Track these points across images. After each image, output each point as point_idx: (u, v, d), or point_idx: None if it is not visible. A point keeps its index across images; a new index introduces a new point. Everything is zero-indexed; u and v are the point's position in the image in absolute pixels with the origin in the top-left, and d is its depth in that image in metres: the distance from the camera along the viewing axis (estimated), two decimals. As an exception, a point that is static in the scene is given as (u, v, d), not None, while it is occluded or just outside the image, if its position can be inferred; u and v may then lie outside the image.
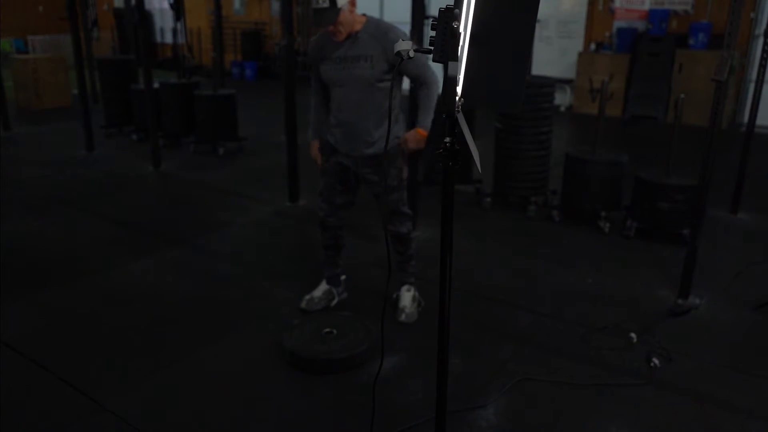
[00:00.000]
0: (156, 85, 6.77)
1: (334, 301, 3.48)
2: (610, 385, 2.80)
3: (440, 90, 2.95)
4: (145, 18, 6.21)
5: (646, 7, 9.21)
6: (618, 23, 9.48)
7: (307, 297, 3.45)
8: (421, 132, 3.09)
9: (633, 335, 3.17)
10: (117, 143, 7.48)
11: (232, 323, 3.33)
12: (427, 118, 3.08)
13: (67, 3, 6.79)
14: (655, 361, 2.94)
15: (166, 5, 13.84)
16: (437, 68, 1.61)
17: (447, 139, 1.53)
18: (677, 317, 3.41)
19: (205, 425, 2.54)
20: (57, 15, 16.41)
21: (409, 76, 3.07)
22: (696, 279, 3.53)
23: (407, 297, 3.37)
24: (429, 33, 1.43)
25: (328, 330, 3.08)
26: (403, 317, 3.29)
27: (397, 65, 1.50)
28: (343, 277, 3.55)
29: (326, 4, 2.81)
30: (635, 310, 3.49)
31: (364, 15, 2.99)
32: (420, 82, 3.04)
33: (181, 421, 2.57)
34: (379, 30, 2.95)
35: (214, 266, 4.07)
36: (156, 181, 6.07)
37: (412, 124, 3.31)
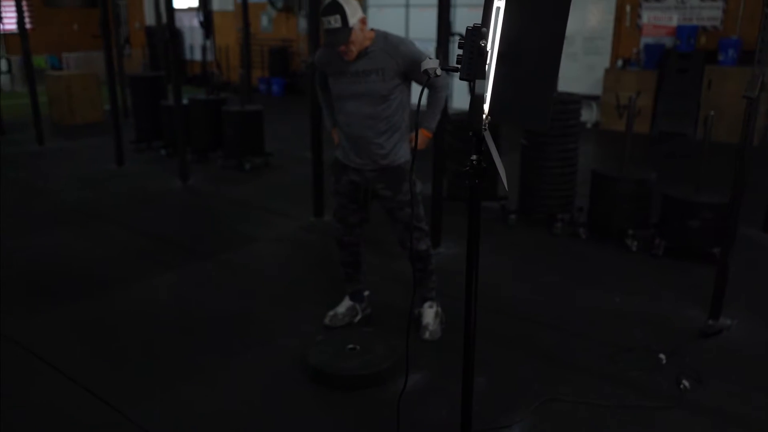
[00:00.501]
0: (185, 101, 6.90)
1: (358, 317, 3.48)
2: (639, 407, 2.75)
3: (447, 93, 3.03)
4: (175, 35, 6.34)
5: (674, 23, 9.13)
6: (645, 39, 9.40)
7: (331, 313, 3.45)
8: (426, 133, 3.13)
9: (662, 356, 3.10)
10: (146, 158, 7.62)
11: (256, 338, 3.35)
12: (432, 120, 3.13)
13: (100, 21, 6.97)
14: (685, 383, 2.87)
15: (196, 23, 14.14)
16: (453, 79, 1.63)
17: (474, 157, 1.53)
18: (708, 338, 3.33)
19: (228, 440, 2.55)
20: (91, 33, 16.87)
21: (419, 83, 3.04)
22: (727, 299, 3.45)
23: (430, 314, 3.34)
24: (455, 50, 1.44)
25: (351, 346, 3.07)
26: (427, 335, 3.26)
27: (425, 83, 1.51)
28: (366, 293, 3.54)
29: (338, 24, 2.81)
30: (664, 331, 3.42)
31: (372, 30, 3.01)
32: (429, 86, 3.04)
33: (205, 434, 2.58)
34: (389, 44, 2.96)
35: (239, 280, 4.10)
36: (183, 196, 6.16)
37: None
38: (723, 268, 3.38)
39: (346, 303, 3.49)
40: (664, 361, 3.07)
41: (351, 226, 3.31)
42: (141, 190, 6.22)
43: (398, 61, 2.92)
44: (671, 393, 2.84)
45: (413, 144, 3.13)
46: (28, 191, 6.21)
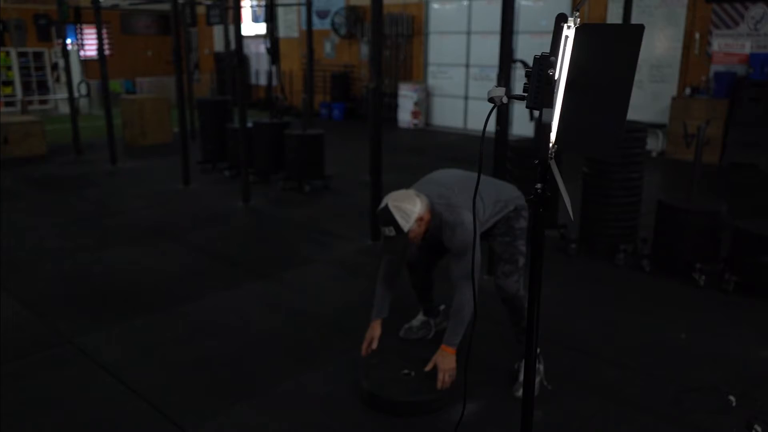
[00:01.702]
0: (249, 124, 7.11)
1: (431, 333, 3.49)
2: (707, 450, 2.61)
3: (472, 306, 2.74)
4: (242, 61, 6.57)
5: (747, 50, 8.83)
6: (716, 67, 9.12)
7: (406, 326, 3.51)
8: (447, 349, 2.88)
9: (732, 398, 2.95)
10: (211, 178, 7.87)
11: (311, 359, 3.38)
12: (455, 334, 2.87)
13: (173, 48, 7.31)
14: (757, 428, 2.72)
15: (262, 49, 14.63)
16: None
17: (538, 185, 1.51)
18: (783, 381, 3.15)
19: (282, 460, 2.56)
20: (163, 59, 17.69)
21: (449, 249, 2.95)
22: (804, 341, 3.26)
23: None
24: (516, 77, 1.43)
25: (406, 372, 3.05)
26: (521, 393, 2.97)
27: (489, 113, 1.50)
28: (441, 307, 3.53)
29: (393, 233, 2.80)
30: (734, 371, 3.25)
31: (429, 212, 2.88)
32: (456, 273, 2.88)
33: (259, 453, 2.60)
34: (444, 226, 2.89)
35: (296, 301, 4.16)
36: (245, 216, 6.32)
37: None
38: (800, 307, 3.20)
39: (420, 317, 3.53)
40: (734, 404, 2.91)
41: (421, 257, 3.35)
42: (205, 210, 6.42)
43: (444, 240, 2.91)
44: (742, 438, 2.69)
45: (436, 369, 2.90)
46: (101, 208, 6.51)
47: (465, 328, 2.88)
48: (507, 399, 2.96)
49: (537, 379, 3.07)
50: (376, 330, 3.13)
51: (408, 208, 2.80)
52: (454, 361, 2.89)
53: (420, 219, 2.82)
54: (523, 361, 3.08)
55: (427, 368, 2.93)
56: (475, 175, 3.01)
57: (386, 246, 2.88)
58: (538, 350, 3.08)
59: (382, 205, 2.84)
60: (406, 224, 2.77)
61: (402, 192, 2.88)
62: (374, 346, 3.09)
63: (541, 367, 3.10)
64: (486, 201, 2.97)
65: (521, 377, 3.01)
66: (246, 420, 2.83)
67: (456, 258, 2.86)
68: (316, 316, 3.93)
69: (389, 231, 2.80)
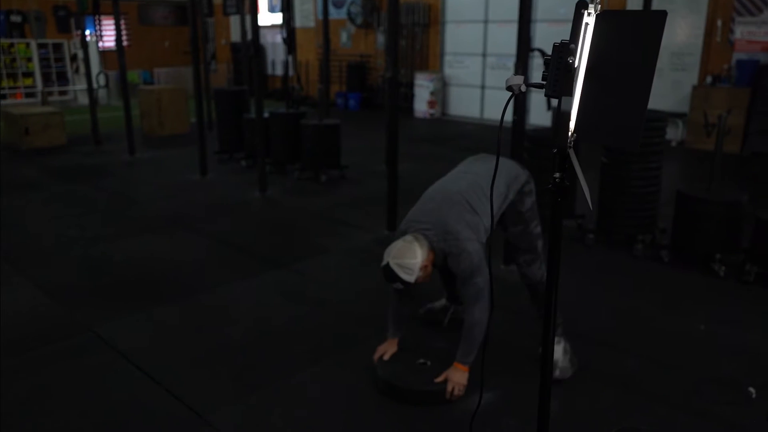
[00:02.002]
0: (266, 114, 7.13)
1: (447, 318, 3.55)
2: (725, 442, 2.59)
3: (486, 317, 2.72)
4: (259, 51, 6.58)
5: (770, 38, 8.67)
6: (738, 55, 8.96)
7: (429, 305, 3.59)
8: (460, 367, 2.87)
9: (752, 390, 2.92)
10: (228, 168, 7.91)
11: (327, 348, 3.39)
12: (468, 353, 2.86)
13: (190, 38, 7.33)
14: (778, 420, 2.69)
15: (278, 39, 14.63)
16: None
17: (557, 174, 1.50)
18: (804, 374, 3.11)
19: (299, 447, 2.59)
20: (181, 49, 17.77)
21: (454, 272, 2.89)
22: (827, 333, 3.22)
23: (558, 351, 3.03)
24: (534, 66, 1.41)
25: (422, 361, 3.06)
26: (557, 373, 2.97)
27: (507, 101, 1.49)
28: None
29: (400, 287, 2.82)
30: (754, 363, 3.22)
31: (431, 252, 2.82)
32: (465, 296, 2.86)
33: (276, 441, 2.63)
34: (449, 257, 2.84)
35: (313, 290, 4.18)
36: (262, 206, 6.35)
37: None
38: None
39: (442, 302, 3.61)
40: (754, 396, 2.89)
41: None
42: (222, 200, 6.46)
43: (451, 267, 2.87)
44: (761, 430, 2.66)
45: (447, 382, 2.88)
46: (120, 198, 6.58)
47: (477, 347, 2.84)
48: (523, 389, 2.95)
49: (567, 358, 3.06)
50: (392, 346, 3.13)
51: (409, 263, 2.74)
52: (466, 378, 2.87)
53: (424, 267, 2.78)
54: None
55: (438, 380, 2.89)
56: (467, 182, 2.99)
57: (396, 295, 2.98)
58: (560, 329, 3.12)
59: (384, 263, 2.79)
60: (411, 278, 2.75)
61: (400, 246, 2.80)
62: (386, 358, 3.09)
63: (567, 345, 3.08)
64: (483, 214, 2.90)
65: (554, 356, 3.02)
66: (262, 407, 2.86)
67: (464, 281, 2.83)
68: (333, 305, 3.94)
69: (397, 286, 2.82)
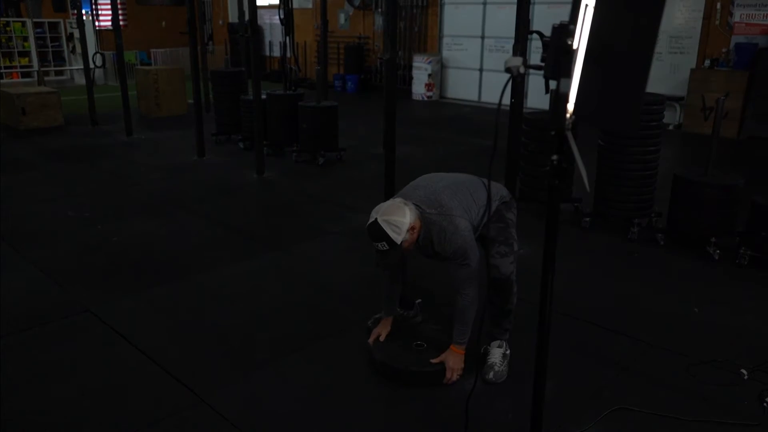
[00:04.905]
0: (263, 96, 7.10)
1: (417, 317, 3.47)
2: (716, 423, 2.63)
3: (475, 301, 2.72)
4: (256, 32, 6.53)
5: (770, 21, 8.63)
6: (737, 38, 8.93)
7: (376, 316, 3.41)
8: (456, 350, 2.88)
9: (744, 371, 2.95)
10: (225, 150, 7.89)
11: (324, 329, 3.42)
12: (462, 334, 2.85)
13: (187, 18, 7.27)
14: (769, 401, 2.73)
15: (276, 20, 14.50)
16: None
17: (554, 157, 1.51)
18: (796, 356, 3.15)
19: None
20: (178, 30, 17.58)
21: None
22: (819, 315, 3.25)
23: (497, 354, 3.00)
24: (532, 48, 1.42)
25: (418, 342, 3.08)
26: (491, 375, 2.94)
27: (506, 83, 1.49)
28: (417, 301, 3.51)
29: (385, 248, 2.68)
30: (747, 345, 3.25)
31: (419, 219, 2.76)
32: (457, 278, 2.82)
33: (271, 423, 2.66)
34: (436, 240, 2.80)
35: (310, 272, 4.19)
36: (259, 188, 6.35)
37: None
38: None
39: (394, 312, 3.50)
40: (746, 377, 2.92)
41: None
42: (219, 181, 6.45)
43: (436, 246, 2.81)
44: (753, 411, 2.70)
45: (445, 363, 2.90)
46: (117, 179, 6.57)
47: (470, 328, 2.85)
48: (517, 371, 2.98)
49: (505, 362, 3.01)
50: (386, 327, 3.15)
51: (398, 220, 2.67)
52: (463, 360, 2.88)
53: (412, 228, 2.72)
54: (492, 343, 3.03)
55: (434, 361, 2.91)
56: (462, 179, 2.99)
57: (380, 260, 2.81)
58: (508, 336, 3.06)
59: (371, 220, 2.72)
60: (398, 237, 2.67)
61: (389, 204, 2.77)
62: (381, 339, 3.11)
63: (508, 351, 3.04)
64: (479, 203, 2.90)
65: (489, 360, 2.99)
66: (259, 387, 2.89)
67: (454, 264, 2.80)
68: (330, 286, 3.96)
69: (382, 246, 2.69)
